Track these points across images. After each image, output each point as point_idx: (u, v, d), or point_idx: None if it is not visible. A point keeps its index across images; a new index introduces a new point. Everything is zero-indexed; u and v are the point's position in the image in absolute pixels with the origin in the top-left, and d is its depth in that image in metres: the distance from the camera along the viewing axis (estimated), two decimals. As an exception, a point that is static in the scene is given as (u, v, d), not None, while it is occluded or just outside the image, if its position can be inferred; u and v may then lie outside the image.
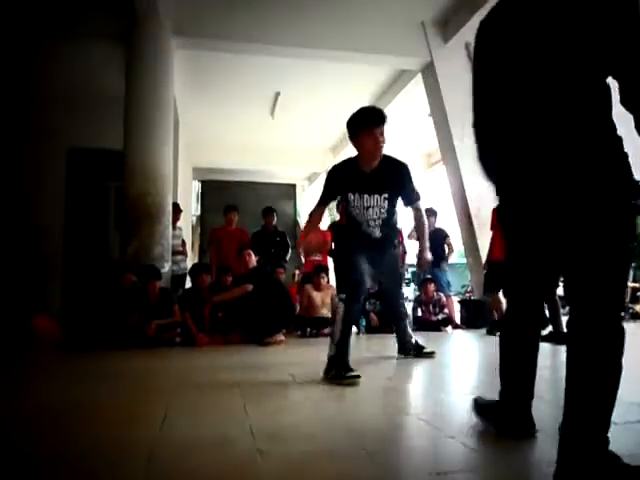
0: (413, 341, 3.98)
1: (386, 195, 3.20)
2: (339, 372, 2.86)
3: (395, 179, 3.22)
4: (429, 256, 3.56)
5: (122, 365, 3.88)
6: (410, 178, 3.30)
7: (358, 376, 2.81)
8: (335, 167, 3.30)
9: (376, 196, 3.18)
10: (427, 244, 3.55)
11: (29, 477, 1.39)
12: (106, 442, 1.69)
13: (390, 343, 5.46)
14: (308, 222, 3.48)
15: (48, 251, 8.00)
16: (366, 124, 3.07)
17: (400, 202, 3.38)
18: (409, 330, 4.01)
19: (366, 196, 3.17)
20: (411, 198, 3.35)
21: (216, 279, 5.84)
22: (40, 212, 8.01)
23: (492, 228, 6.25)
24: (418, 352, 3.92)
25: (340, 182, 3.22)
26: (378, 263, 3.38)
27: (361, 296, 3.18)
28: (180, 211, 7.39)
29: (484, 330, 6.25)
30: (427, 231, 3.59)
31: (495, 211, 6.26)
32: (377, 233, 3.29)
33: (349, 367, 2.89)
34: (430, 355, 3.91)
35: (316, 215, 3.40)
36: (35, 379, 3.30)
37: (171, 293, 5.64)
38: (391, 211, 3.30)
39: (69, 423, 1.99)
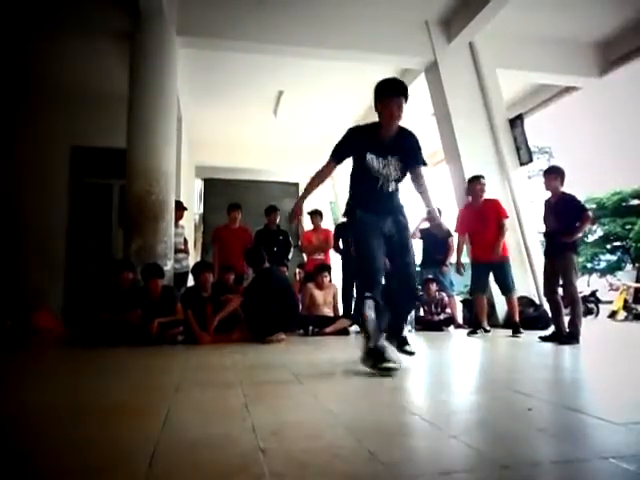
0: (405, 333, 3.78)
1: (400, 157, 3.42)
2: (376, 361, 3.04)
3: (408, 147, 3.46)
4: (440, 218, 3.74)
5: (124, 362, 3.89)
6: (419, 147, 3.52)
7: (393, 368, 3.01)
8: (355, 128, 3.53)
9: (390, 158, 3.40)
10: (434, 206, 3.70)
11: (30, 475, 1.39)
12: (108, 439, 1.69)
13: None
14: (316, 177, 3.54)
15: (51, 248, 8.03)
16: (385, 93, 3.34)
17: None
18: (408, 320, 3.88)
19: (381, 158, 3.38)
20: (419, 160, 3.53)
21: (219, 278, 5.85)
22: (44, 210, 8.04)
23: (459, 230, 6.26)
24: (400, 346, 3.65)
25: (359, 142, 3.41)
26: (392, 232, 3.45)
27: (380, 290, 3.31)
28: (184, 209, 7.39)
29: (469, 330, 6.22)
30: (426, 186, 3.66)
31: (462, 212, 6.28)
32: (392, 187, 3.45)
33: (386, 358, 3.06)
34: (410, 354, 3.64)
35: (326, 171, 3.50)
36: (36, 375, 3.31)
37: (174, 291, 5.65)
38: (404, 173, 3.49)
39: (70, 420, 1.99)
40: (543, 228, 5.47)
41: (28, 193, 7.98)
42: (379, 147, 3.39)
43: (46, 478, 1.35)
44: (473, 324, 6.25)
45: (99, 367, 3.66)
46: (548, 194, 5.35)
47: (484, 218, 5.99)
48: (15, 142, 8.10)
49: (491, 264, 5.95)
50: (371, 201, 3.44)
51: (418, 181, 3.59)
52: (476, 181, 6.17)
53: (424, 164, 3.58)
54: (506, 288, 6.00)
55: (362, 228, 3.42)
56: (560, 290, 5.21)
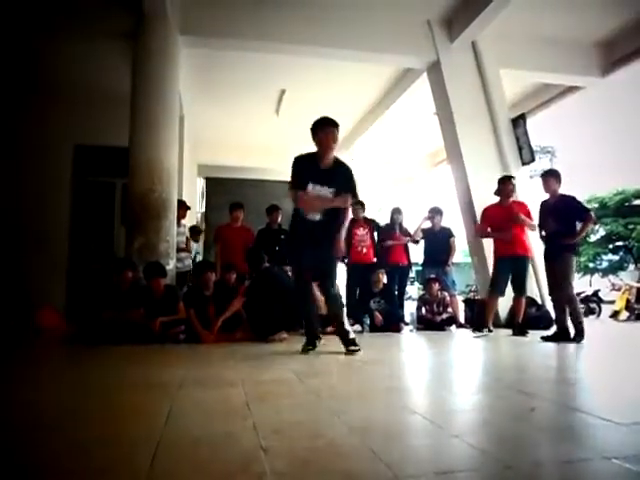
0: (351, 336, 4.13)
1: (333, 190, 4.03)
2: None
3: (341, 178, 4.08)
4: (342, 245, 4.22)
5: (126, 361, 3.89)
6: (352, 179, 4.16)
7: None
8: (298, 158, 4.16)
9: (326, 187, 4.02)
10: (342, 235, 4.20)
11: (26, 471, 1.40)
12: (111, 437, 1.70)
13: (394, 342, 5.48)
14: (299, 201, 4.10)
15: (54, 246, 8.05)
16: (320, 125, 4.04)
17: None
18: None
19: (318, 187, 4.02)
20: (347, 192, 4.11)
21: (221, 277, 5.85)
22: (47, 208, 8.05)
23: (481, 228, 6.23)
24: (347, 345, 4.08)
25: (302, 171, 4.08)
26: (318, 246, 4.04)
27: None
28: (187, 208, 7.40)
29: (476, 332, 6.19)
30: (346, 224, 4.23)
31: (487, 210, 6.23)
32: (317, 217, 4.07)
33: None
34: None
35: (295, 198, 4.12)
36: (38, 373, 3.31)
37: (176, 290, 5.65)
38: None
39: (72, 418, 1.99)
40: (540, 231, 5.47)
41: (31, 191, 7.99)
42: (318, 176, 4.01)
43: (45, 477, 1.35)
44: (476, 323, 6.23)
45: (101, 365, 3.66)
46: (544, 196, 5.36)
47: (510, 219, 5.90)
48: (19, 140, 8.11)
49: (515, 257, 5.88)
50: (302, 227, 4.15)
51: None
52: (507, 181, 6.06)
53: (354, 197, 4.17)
54: (521, 287, 5.95)
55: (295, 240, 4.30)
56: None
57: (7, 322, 6.19)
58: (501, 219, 5.94)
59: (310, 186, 4.00)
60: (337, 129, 4.03)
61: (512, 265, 5.92)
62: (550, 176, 5.33)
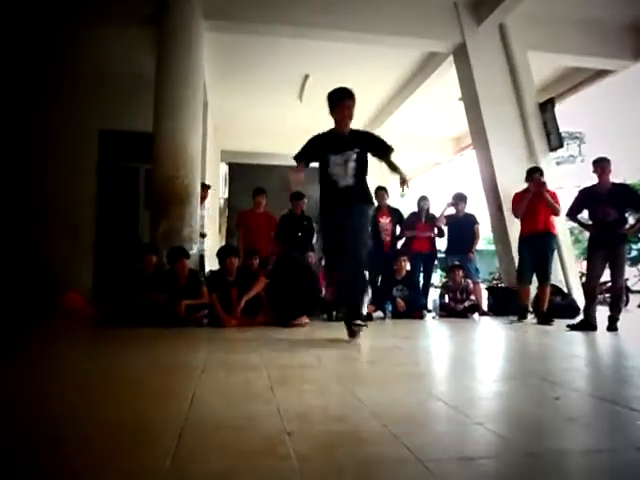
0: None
1: (357, 150, 4.04)
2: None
3: (363, 140, 4.15)
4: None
5: (151, 344, 3.96)
6: (375, 136, 4.28)
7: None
8: (316, 137, 4.20)
9: (349, 152, 4.02)
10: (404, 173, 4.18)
11: (58, 453, 1.43)
12: (137, 419, 1.73)
13: (417, 329, 5.46)
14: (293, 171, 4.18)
15: (81, 230, 8.19)
16: (336, 98, 4.04)
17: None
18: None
19: (338, 157, 4.02)
20: (381, 150, 4.17)
21: (243, 262, 5.89)
22: (73, 193, 8.19)
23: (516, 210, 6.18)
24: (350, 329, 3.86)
25: (320, 147, 4.12)
26: (349, 218, 3.97)
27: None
28: (207, 187, 7.41)
29: (510, 318, 6.17)
30: (401, 169, 4.18)
31: (517, 195, 6.17)
32: (351, 182, 4.03)
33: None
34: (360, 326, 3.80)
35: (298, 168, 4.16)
36: (65, 355, 3.39)
37: (199, 275, 5.70)
38: (362, 164, 4.08)
39: (98, 400, 2.03)
40: (588, 219, 5.37)
41: (58, 177, 8.12)
42: (339, 145, 4.04)
43: (75, 458, 1.38)
44: (517, 313, 6.15)
45: (126, 348, 3.73)
46: (589, 183, 5.28)
47: (536, 206, 5.99)
48: (45, 126, 8.23)
49: (538, 235, 5.95)
50: (332, 203, 4.14)
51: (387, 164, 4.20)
52: (536, 172, 6.13)
53: (390, 151, 4.14)
54: (544, 272, 5.95)
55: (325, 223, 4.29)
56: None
57: (34, 305, 6.34)
58: (529, 206, 6.01)
59: (332, 158, 4.04)
60: (354, 100, 4.01)
61: (534, 244, 5.94)
62: (606, 163, 5.19)
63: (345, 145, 4.03)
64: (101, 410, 1.86)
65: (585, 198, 5.32)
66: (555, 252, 6.39)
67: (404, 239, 7.33)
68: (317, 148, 4.13)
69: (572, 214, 5.43)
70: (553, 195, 6.09)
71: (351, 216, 3.97)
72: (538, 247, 5.93)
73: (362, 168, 4.07)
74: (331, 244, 4.19)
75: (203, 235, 7.08)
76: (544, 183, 6.10)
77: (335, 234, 4.06)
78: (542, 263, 5.95)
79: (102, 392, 2.18)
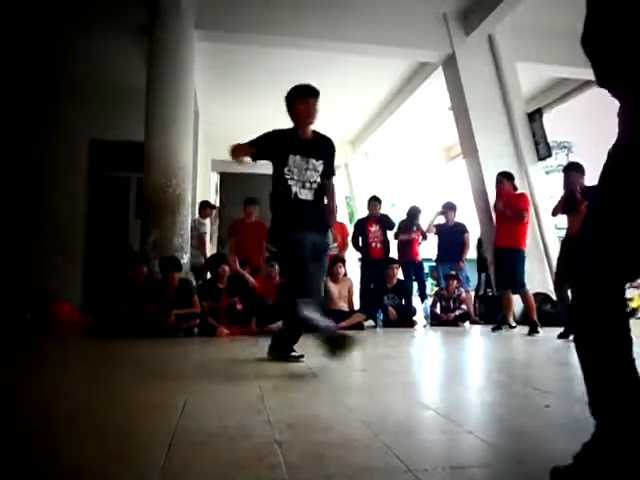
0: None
1: (322, 162, 3.40)
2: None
3: (326, 151, 3.47)
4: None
5: (142, 354, 3.93)
6: (334, 150, 3.53)
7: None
8: (275, 130, 3.44)
9: (313, 161, 3.36)
10: (334, 206, 3.68)
11: (51, 461, 1.42)
12: (126, 429, 1.71)
13: (408, 338, 5.47)
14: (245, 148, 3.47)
15: (70, 240, 8.14)
16: (302, 94, 3.44)
17: None
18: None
19: (298, 158, 3.33)
20: (329, 172, 3.49)
21: (234, 271, 5.87)
22: (63, 202, 8.14)
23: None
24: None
25: (280, 143, 3.37)
26: (316, 248, 3.32)
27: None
28: (213, 208, 7.70)
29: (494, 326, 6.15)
30: (335, 200, 3.69)
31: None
32: (310, 197, 3.36)
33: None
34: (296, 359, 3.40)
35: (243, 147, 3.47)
36: (54, 364, 3.36)
37: (190, 284, 5.68)
38: (322, 179, 3.43)
39: (88, 410, 2.02)
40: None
41: (47, 186, 8.08)
42: (302, 148, 3.37)
43: (64, 466, 1.37)
44: (495, 320, 6.16)
45: (117, 358, 3.70)
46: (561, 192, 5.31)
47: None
48: (35, 136, 8.19)
49: (497, 250, 6.10)
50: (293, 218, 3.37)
51: (327, 187, 3.52)
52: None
53: (333, 174, 3.59)
54: (509, 280, 5.94)
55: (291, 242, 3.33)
56: None
57: (24, 315, 6.28)
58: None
59: (290, 158, 3.31)
60: (317, 98, 3.43)
61: (499, 256, 6.02)
62: (573, 170, 5.19)
63: (310, 151, 3.37)
64: (88, 418, 1.85)
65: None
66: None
67: (397, 245, 7.43)
68: (276, 143, 3.39)
69: (554, 214, 5.49)
70: (518, 198, 6.05)
71: (318, 247, 3.35)
72: (503, 261, 5.95)
73: (322, 188, 3.44)
74: (304, 261, 3.24)
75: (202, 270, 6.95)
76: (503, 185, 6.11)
77: (305, 252, 3.25)
78: (506, 270, 5.96)
79: (89, 401, 2.16)
